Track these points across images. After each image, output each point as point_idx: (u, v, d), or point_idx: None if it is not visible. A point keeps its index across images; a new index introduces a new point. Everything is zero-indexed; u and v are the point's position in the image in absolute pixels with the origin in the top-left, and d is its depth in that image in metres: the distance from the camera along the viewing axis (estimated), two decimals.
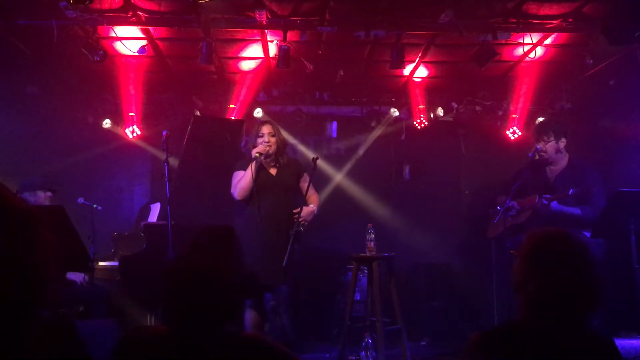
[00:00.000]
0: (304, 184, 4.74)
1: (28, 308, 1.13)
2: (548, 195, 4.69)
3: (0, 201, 1.13)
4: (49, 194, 5.30)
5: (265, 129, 4.66)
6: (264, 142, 4.60)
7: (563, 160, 5.03)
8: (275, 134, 4.67)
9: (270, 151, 4.63)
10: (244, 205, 4.67)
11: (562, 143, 4.96)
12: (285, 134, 5.05)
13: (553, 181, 5.00)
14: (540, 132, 4.96)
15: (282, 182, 4.64)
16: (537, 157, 5.01)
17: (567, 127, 5.10)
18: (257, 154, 4.53)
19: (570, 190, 4.58)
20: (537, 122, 5.86)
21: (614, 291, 4.68)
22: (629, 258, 4.45)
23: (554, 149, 4.93)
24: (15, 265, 1.10)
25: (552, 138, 4.90)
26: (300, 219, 4.52)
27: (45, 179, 5.43)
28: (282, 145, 4.74)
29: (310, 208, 4.65)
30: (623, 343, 3.84)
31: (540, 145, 4.92)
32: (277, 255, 4.32)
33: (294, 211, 4.56)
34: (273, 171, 4.70)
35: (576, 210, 4.73)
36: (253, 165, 4.54)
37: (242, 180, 4.58)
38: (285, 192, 4.63)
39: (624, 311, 4.72)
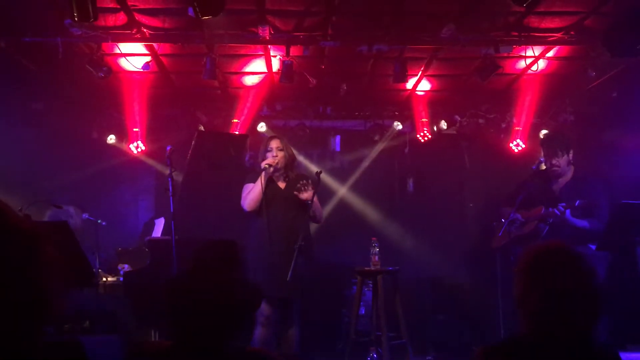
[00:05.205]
0: None
1: (32, 326, 1.13)
2: (563, 204, 4.68)
3: (2, 221, 1.14)
4: (85, 215, 5.56)
5: (274, 144, 4.70)
6: (272, 155, 4.63)
7: (569, 173, 5.03)
8: (283, 148, 4.70)
9: (279, 164, 4.65)
10: (254, 218, 4.68)
11: (571, 155, 5.00)
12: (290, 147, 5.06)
13: (558, 193, 5.00)
14: (555, 147, 4.97)
15: (291, 196, 4.66)
16: (542, 167, 5.02)
17: (571, 138, 5.12)
18: (266, 165, 4.56)
19: (577, 202, 4.58)
20: (546, 137, 5.86)
21: (620, 304, 4.66)
22: (635, 270, 4.42)
23: (566, 162, 4.97)
24: (18, 284, 1.10)
25: (564, 153, 4.93)
26: (302, 184, 4.50)
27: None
28: (291, 159, 4.77)
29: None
30: (630, 356, 3.82)
31: (554, 161, 4.94)
32: (286, 269, 4.32)
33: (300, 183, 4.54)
34: (282, 185, 4.72)
35: (585, 223, 4.72)
36: (262, 176, 4.56)
37: (252, 192, 4.60)
38: (293, 205, 4.64)
39: (630, 324, 4.69)
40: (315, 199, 4.65)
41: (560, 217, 4.67)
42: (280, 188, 4.70)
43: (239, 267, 1.85)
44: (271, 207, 4.58)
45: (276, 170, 4.65)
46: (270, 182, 4.64)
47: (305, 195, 4.54)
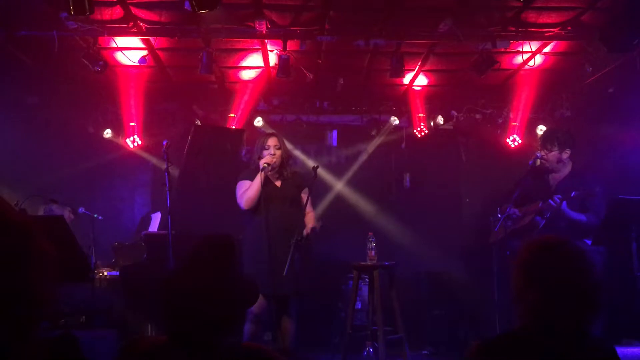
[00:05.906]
0: (304, 196, 4.76)
1: (27, 323, 1.12)
2: (559, 196, 4.66)
3: None
4: (72, 217, 5.51)
5: (271, 142, 4.69)
6: (270, 154, 4.63)
7: (565, 169, 5.00)
8: (280, 146, 4.70)
9: (277, 163, 4.65)
10: (250, 216, 4.68)
11: (566, 154, 4.91)
12: (286, 143, 5.08)
13: (555, 188, 4.99)
14: (546, 140, 4.94)
15: (286, 194, 4.67)
16: (538, 163, 5.00)
17: (573, 138, 5.06)
18: (265, 164, 4.56)
19: (573, 193, 4.56)
20: (544, 130, 5.85)
21: (615, 299, 4.66)
22: (630, 265, 4.43)
23: (556, 159, 4.89)
24: (12, 279, 1.10)
25: (555, 148, 4.87)
26: (307, 231, 4.54)
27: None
28: (287, 157, 4.78)
29: (311, 224, 4.66)
30: (625, 351, 3.84)
31: (542, 153, 4.91)
32: (283, 266, 4.32)
33: (305, 232, 4.57)
34: (278, 183, 4.72)
35: (581, 217, 4.71)
36: (261, 175, 4.56)
37: (250, 190, 4.59)
38: (290, 203, 4.66)
39: (625, 319, 4.70)
40: (309, 205, 4.67)
41: (556, 208, 4.65)
42: (277, 186, 4.70)
43: (235, 264, 1.85)
44: (268, 206, 4.58)
45: (273, 168, 4.65)
46: (266, 181, 4.64)
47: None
